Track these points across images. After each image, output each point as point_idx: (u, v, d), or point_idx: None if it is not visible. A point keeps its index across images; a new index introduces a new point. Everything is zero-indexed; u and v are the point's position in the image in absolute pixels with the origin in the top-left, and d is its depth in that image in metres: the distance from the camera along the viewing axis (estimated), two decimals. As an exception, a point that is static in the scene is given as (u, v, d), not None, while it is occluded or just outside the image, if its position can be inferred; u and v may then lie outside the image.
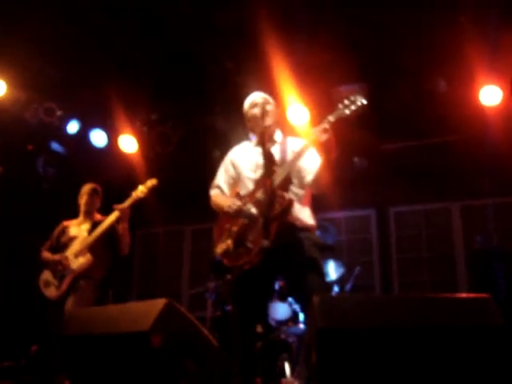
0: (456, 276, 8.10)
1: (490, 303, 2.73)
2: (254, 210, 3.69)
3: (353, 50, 6.27)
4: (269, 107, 4.00)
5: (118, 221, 5.32)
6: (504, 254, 7.19)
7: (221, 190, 4.11)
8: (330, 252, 7.03)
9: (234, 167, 4.10)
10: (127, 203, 5.30)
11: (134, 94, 7.15)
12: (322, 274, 3.81)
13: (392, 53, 6.43)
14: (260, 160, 3.83)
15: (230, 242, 3.70)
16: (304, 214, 3.90)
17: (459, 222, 8.33)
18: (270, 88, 6.20)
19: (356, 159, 8.00)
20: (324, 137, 3.57)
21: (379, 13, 5.93)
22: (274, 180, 3.66)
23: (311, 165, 3.86)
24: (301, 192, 3.92)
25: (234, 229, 3.72)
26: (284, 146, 3.98)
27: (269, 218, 3.36)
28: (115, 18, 6.15)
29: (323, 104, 6.76)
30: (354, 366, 2.60)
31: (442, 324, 2.65)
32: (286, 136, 4.12)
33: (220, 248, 3.77)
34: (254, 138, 4.18)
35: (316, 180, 3.82)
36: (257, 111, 3.98)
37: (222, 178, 4.15)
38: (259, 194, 3.74)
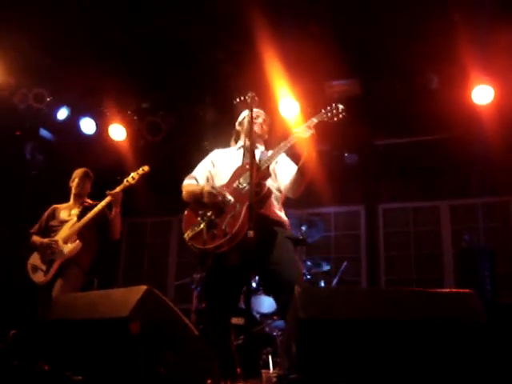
0: (443, 275, 8.11)
1: (473, 299, 2.72)
2: (230, 197, 3.83)
3: (345, 45, 6.25)
4: (265, 124, 4.30)
5: (108, 206, 5.31)
6: (491, 254, 7.21)
7: (196, 181, 4.20)
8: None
9: (213, 165, 4.23)
10: (119, 188, 5.29)
11: (125, 83, 7.10)
12: (296, 266, 3.89)
13: (384, 48, 6.40)
14: (239, 163, 4.01)
15: (203, 225, 3.78)
16: (278, 210, 4.07)
17: (448, 220, 8.34)
18: (261, 79, 6.20)
19: (347, 154, 7.97)
20: (307, 134, 3.85)
21: (372, 8, 5.91)
22: (261, 166, 3.83)
23: (287, 172, 4.09)
24: (277, 192, 4.10)
25: (208, 213, 3.81)
26: (263, 155, 4.10)
27: (253, 205, 3.35)
28: (106, 6, 6.10)
29: (315, 97, 6.74)
30: (334, 356, 2.59)
31: (423, 318, 2.64)
32: (268, 150, 4.25)
33: (191, 232, 3.86)
34: (238, 143, 4.32)
35: (291, 185, 4.04)
36: (259, 121, 4.22)
37: (199, 171, 4.26)
38: (237, 183, 3.90)
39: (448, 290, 2.88)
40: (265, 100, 6.44)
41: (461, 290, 2.81)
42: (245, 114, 4.28)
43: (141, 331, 2.80)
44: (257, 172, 3.69)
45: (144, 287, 2.95)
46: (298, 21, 6.01)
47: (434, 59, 6.42)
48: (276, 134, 4.36)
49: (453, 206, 8.36)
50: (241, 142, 4.26)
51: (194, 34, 6.34)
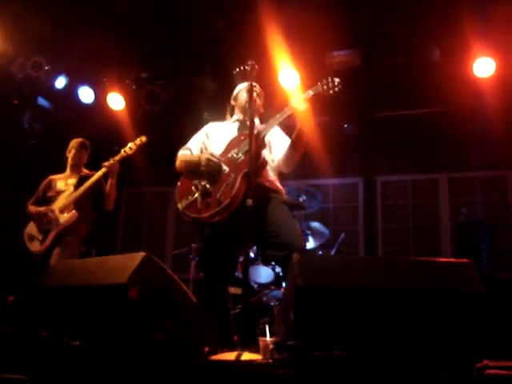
0: (441, 248, 8.12)
1: (471, 269, 2.72)
2: (225, 167, 3.86)
3: (347, 16, 6.19)
4: (259, 98, 4.25)
5: (105, 177, 5.30)
6: (489, 228, 7.22)
7: (191, 152, 4.20)
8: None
9: (208, 137, 4.25)
10: (116, 159, 5.29)
11: (124, 52, 7.04)
12: (294, 226, 3.93)
13: (385, 20, 6.35)
14: (234, 135, 4.04)
15: (197, 194, 3.82)
16: (274, 179, 4.09)
17: (446, 193, 8.33)
18: (262, 49, 6.14)
19: (346, 125, 7.94)
20: (303, 106, 3.87)
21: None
22: (260, 134, 3.85)
23: (281, 145, 4.14)
24: (272, 163, 4.13)
25: (203, 183, 3.84)
26: (259, 128, 4.10)
27: (251, 173, 3.36)
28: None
29: (315, 68, 6.69)
30: (332, 324, 2.59)
31: (421, 287, 2.64)
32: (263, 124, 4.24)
33: (184, 202, 3.87)
34: (233, 117, 4.33)
35: (284, 159, 4.09)
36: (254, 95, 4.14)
37: (193, 142, 4.27)
38: (232, 154, 3.91)
39: (446, 260, 2.89)
40: (265, 70, 6.39)
41: (459, 260, 2.81)
42: (239, 88, 4.32)
43: (139, 297, 2.81)
44: (256, 140, 3.72)
45: (142, 253, 2.95)
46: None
47: (435, 31, 6.36)
48: (276, 103, 4.33)
49: (451, 178, 8.35)
50: (236, 116, 4.29)
51: (194, 3, 6.28)
